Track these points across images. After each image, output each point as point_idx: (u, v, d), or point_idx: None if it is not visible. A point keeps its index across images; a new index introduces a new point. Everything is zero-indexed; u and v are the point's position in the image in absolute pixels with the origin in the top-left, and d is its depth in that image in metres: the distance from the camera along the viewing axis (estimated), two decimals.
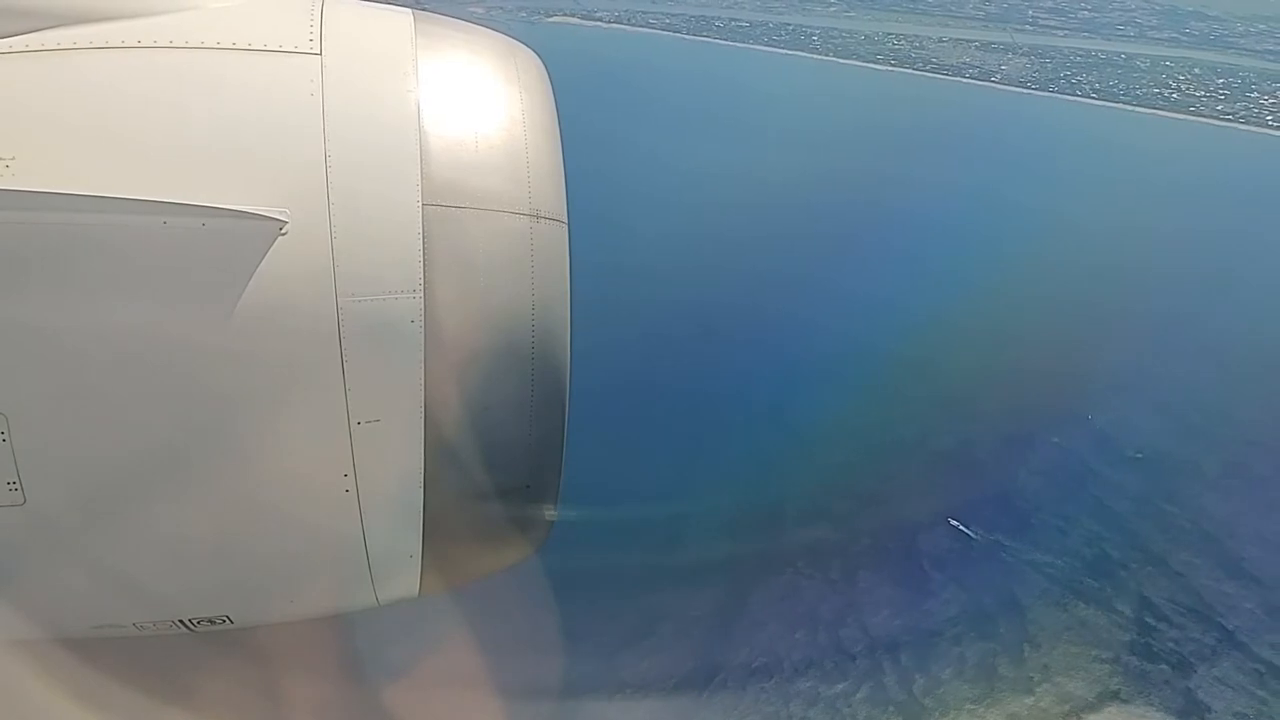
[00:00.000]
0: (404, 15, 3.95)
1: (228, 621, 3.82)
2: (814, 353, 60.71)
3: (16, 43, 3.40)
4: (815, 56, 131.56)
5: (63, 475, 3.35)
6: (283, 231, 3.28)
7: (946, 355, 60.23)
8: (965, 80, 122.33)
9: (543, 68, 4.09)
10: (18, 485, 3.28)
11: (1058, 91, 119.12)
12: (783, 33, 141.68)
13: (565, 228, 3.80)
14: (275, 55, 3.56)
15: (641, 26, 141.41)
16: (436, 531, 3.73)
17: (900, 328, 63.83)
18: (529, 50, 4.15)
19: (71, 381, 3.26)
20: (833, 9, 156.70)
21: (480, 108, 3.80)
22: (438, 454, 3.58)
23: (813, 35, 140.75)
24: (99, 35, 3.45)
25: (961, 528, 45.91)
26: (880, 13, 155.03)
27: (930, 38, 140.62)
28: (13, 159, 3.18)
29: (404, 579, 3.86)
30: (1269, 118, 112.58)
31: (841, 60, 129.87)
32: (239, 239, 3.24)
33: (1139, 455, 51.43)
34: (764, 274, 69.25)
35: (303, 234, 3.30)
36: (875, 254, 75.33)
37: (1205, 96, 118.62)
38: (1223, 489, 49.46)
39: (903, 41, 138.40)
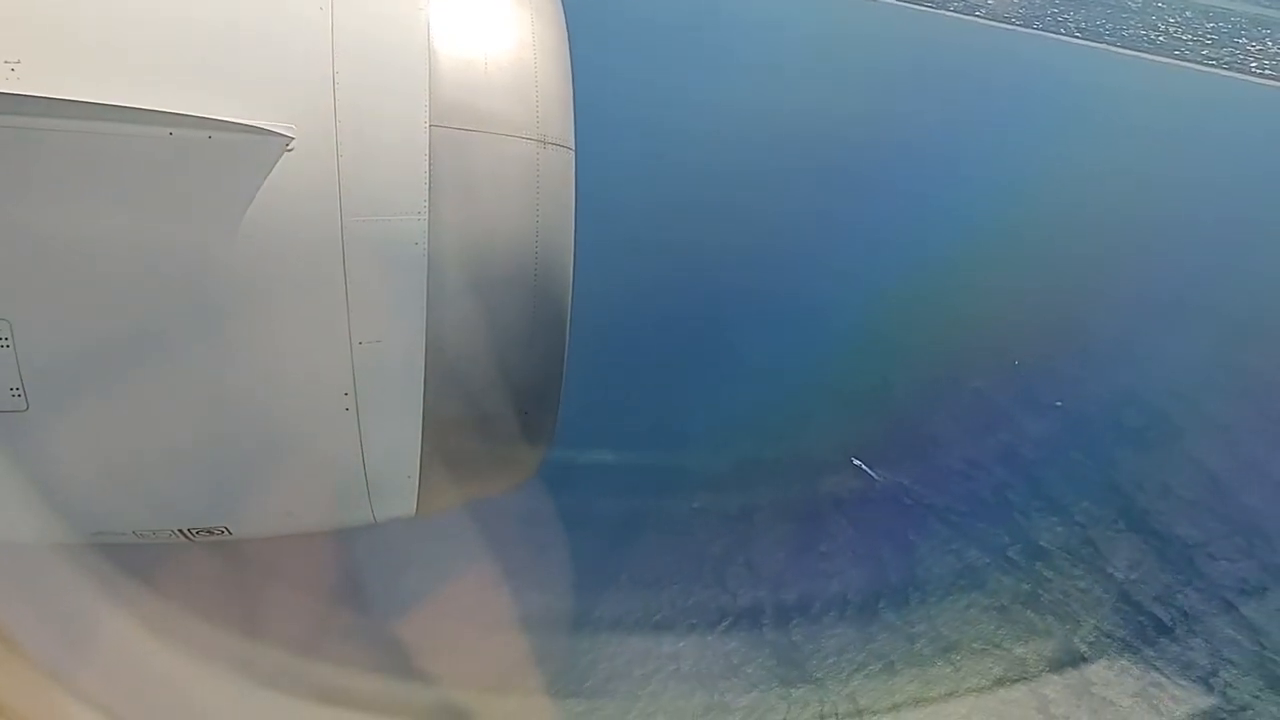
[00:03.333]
0: None
1: (226, 533, 3.82)
2: (791, 291, 59.65)
3: None
4: None
5: (65, 382, 3.33)
6: (289, 148, 3.25)
7: (893, 296, 59.57)
8: (948, 13, 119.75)
9: None
10: (20, 391, 3.26)
11: (1042, 29, 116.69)
12: None
13: (572, 154, 3.76)
14: None
15: None
16: (434, 453, 3.75)
17: (855, 266, 63.35)
18: None
19: (74, 289, 3.25)
20: None
21: (490, 30, 3.73)
22: (437, 376, 3.60)
23: None
24: None
25: (864, 468, 45.38)
26: None
27: None
28: (18, 63, 3.10)
29: (401, 498, 3.89)
30: (1253, 64, 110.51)
31: None
32: (244, 153, 3.22)
33: (1059, 404, 50.73)
34: (756, 210, 68.38)
35: (309, 151, 3.28)
36: (844, 190, 74.43)
37: (1192, 40, 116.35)
38: (1140, 441, 48.98)
39: None
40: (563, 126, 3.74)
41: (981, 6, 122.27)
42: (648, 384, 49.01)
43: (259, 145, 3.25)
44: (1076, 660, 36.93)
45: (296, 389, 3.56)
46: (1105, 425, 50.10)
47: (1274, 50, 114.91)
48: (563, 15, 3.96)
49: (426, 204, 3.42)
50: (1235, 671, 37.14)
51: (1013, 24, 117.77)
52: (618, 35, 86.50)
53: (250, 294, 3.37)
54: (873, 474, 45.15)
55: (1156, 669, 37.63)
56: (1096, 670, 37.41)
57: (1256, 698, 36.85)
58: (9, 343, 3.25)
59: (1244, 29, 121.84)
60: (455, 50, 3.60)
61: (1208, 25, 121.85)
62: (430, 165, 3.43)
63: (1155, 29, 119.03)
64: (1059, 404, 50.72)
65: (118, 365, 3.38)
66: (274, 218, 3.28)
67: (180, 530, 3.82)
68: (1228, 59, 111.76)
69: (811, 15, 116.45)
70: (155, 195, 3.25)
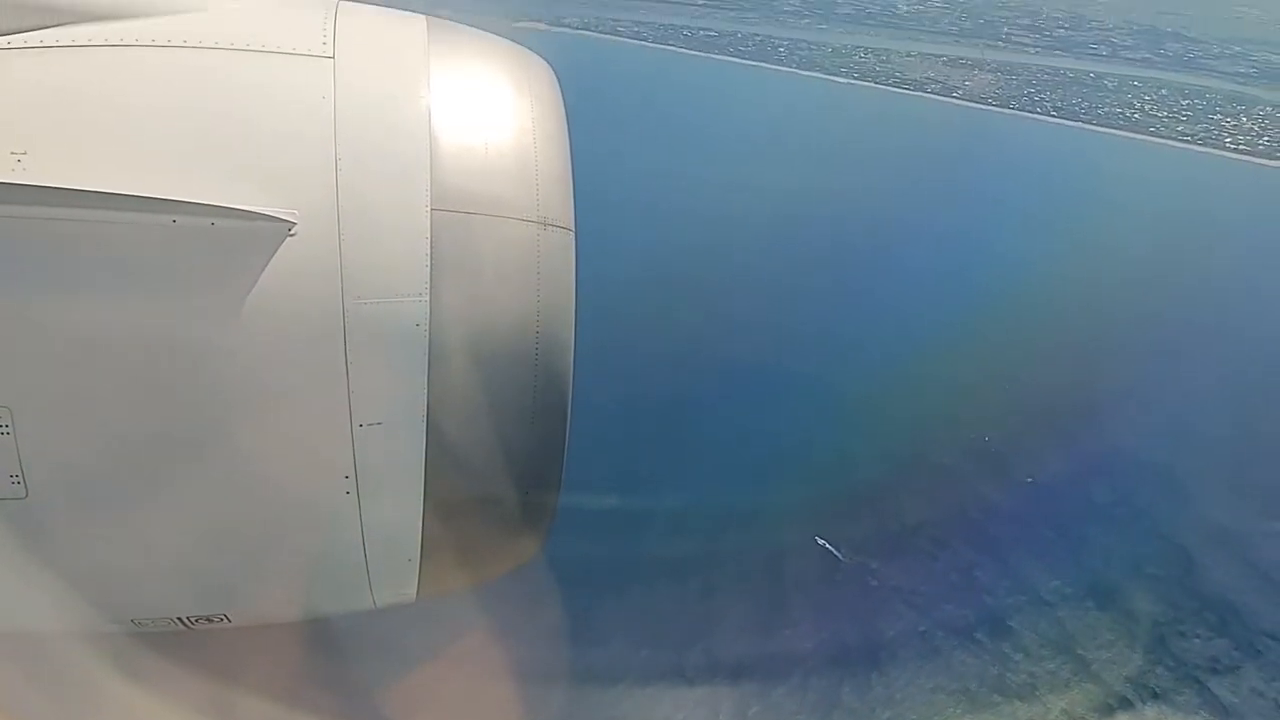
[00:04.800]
0: (417, 21, 3.99)
1: (225, 620, 3.81)
2: (772, 368, 60.70)
3: (31, 38, 3.41)
4: (780, 69, 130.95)
5: (65, 470, 3.35)
6: (291, 232, 3.29)
7: (864, 373, 59.75)
8: (926, 95, 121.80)
9: (554, 77, 4.10)
10: (20, 479, 3.29)
11: (1018, 109, 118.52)
12: (750, 43, 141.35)
13: (572, 235, 3.78)
14: (288, 57, 3.57)
15: (609, 34, 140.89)
16: (435, 536, 3.74)
17: (830, 344, 64.07)
18: (541, 59, 4.15)
19: (76, 376, 3.28)
20: (805, 21, 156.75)
21: (491, 114, 3.81)
22: (439, 459, 3.58)
23: (779, 46, 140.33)
24: (113, 32, 3.46)
25: (829, 547, 44.89)
26: (852, 26, 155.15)
27: (898, 51, 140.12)
28: (24, 154, 3.18)
29: (402, 583, 3.87)
30: (1228, 140, 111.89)
31: (803, 72, 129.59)
32: (247, 239, 3.26)
33: (1029, 480, 50.39)
34: (749, 283, 70.78)
35: (311, 235, 3.32)
36: (822, 268, 75.35)
37: (1167, 117, 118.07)
38: (1109, 518, 48.54)
39: (869, 55, 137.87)
40: (562, 208, 3.78)
41: (959, 88, 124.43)
42: (641, 465, 49.11)
43: (262, 231, 3.29)
44: None
45: (297, 473, 3.56)
46: (1075, 502, 49.67)
47: (1248, 125, 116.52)
48: (561, 101, 4.04)
49: (428, 286, 3.45)
50: None
51: (989, 104, 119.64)
52: (616, 119, 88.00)
53: (251, 378, 3.39)
54: (837, 554, 44.61)
55: None
56: None
57: None
58: (9, 430, 3.26)
59: (1218, 105, 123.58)
60: (456, 135, 3.66)
61: (1182, 102, 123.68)
62: (432, 248, 3.47)
63: (1131, 106, 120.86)
64: (1029, 480, 50.43)
65: (119, 452, 3.39)
66: (276, 302, 3.31)
67: (179, 618, 3.82)
68: (1202, 135, 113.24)
69: (796, 98, 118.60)
70: (158, 282, 3.29)
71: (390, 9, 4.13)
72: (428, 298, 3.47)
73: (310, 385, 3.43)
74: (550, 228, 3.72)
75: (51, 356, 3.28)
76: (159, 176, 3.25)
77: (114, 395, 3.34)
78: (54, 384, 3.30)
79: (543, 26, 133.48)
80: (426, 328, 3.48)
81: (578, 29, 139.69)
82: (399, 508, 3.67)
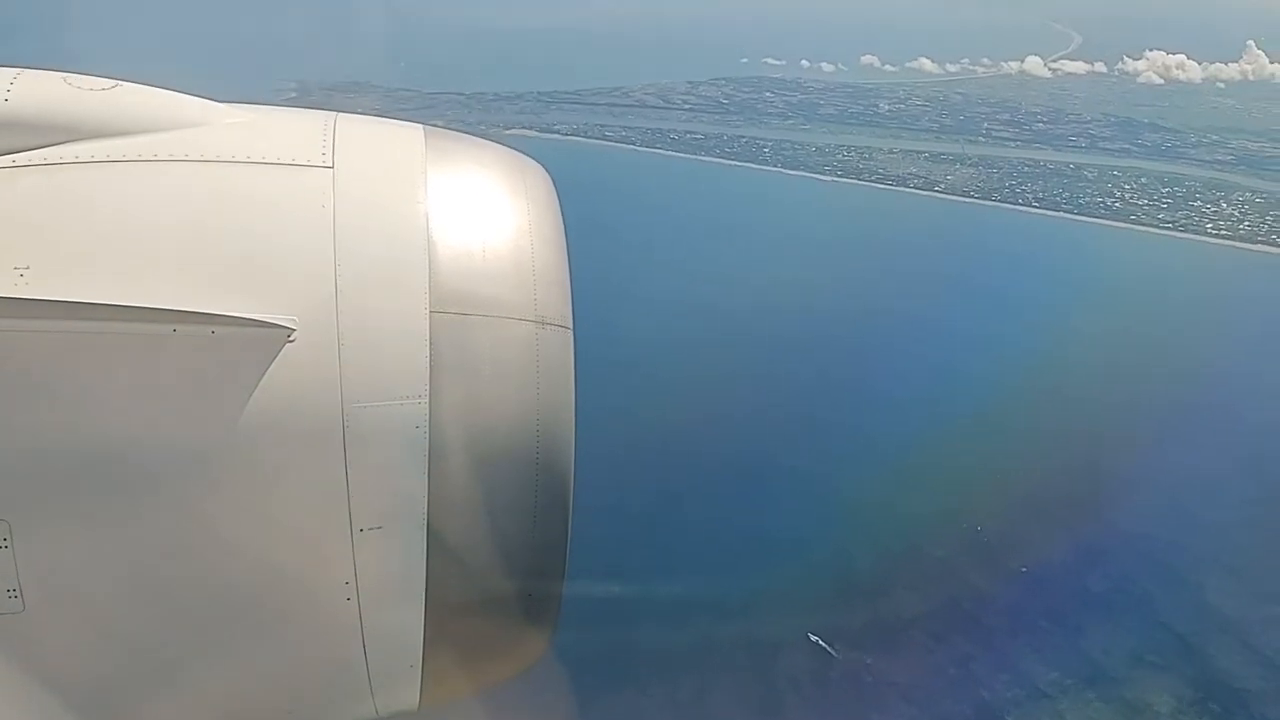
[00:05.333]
0: (414, 130, 4.04)
1: None
2: (767, 461, 60.96)
3: (35, 156, 3.50)
4: (766, 169, 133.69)
5: (64, 584, 3.35)
6: (290, 339, 3.34)
7: (856, 467, 59.58)
8: (909, 190, 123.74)
9: (550, 181, 4.13)
10: (17, 593, 3.30)
11: (1000, 200, 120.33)
12: (735, 145, 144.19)
13: (570, 334, 3.79)
14: (288, 169, 3.65)
15: (597, 139, 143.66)
16: (437, 642, 3.69)
17: (823, 439, 63.97)
18: (537, 164, 4.19)
19: (76, 489, 3.29)
20: (789, 122, 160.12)
21: (487, 217, 3.85)
22: (440, 562, 3.55)
23: (764, 147, 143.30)
24: (114, 149, 3.56)
25: (822, 644, 44.25)
26: (835, 125, 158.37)
27: (881, 149, 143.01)
28: (27, 268, 3.26)
29: (404, 689, 3.81)
30: (1209, 225, 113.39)
31: (788, 171, 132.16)
32: (247, 346, 3.31)
33: (1024, 569, 49.93)
34: (743, 377, 71.06)
35: (310, 341, 3.36)
36: (818, 360, 75.86)
37: (1148, 205, 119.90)
38: (1107, 606, 47.96)
39: (852, 153, 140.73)
40: (560, 307, 3.80)
41: (941, 183, 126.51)
42: (638, 561, 48.78)
43: (261, 338, 3.33)
44: None
45: (297, 580, 3.55)
46: (1071, 591, 49.15)
47: (1229, 211, 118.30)
48: (557, 202, 4.07)
49: (427, 388, 3.46)
50: None
51: (972, 197, 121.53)
52: (610, 221, 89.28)
53: (251, 486, 3.39)
54: (831, 650, 43.99)
55: None
56: None
57: None
58: (8, 543, 3.26)
59: (1198, 192, 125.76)
60: (454, 239, 3.71)
61: (1163, 190, 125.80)
62: (431, 350, 3.49)
63: (1111, 195, 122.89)
64: (1024, 569, 50.00)
65: (118, 565, 3.38)
66: (275, 408, 3.33)
67: None
68: (1183, 221, 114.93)
69: (782, 197, 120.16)
70: (159, 391, 3.32)
71: (388, 119, 4.22)
72: (427, 400, 3.47)
73: (310, 491, 3.44)
74: (548, 326, 3.75)
75: (51, 469, 3.30)
76: (160, 287, 3.32)
77: (113, 507, 3.35)
78: (54, 497, 3.32)
79: (532, 133, 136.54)
80: (426, 429, 3.48)
81: (567, 135, 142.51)
82: (401, 613, 3.65)
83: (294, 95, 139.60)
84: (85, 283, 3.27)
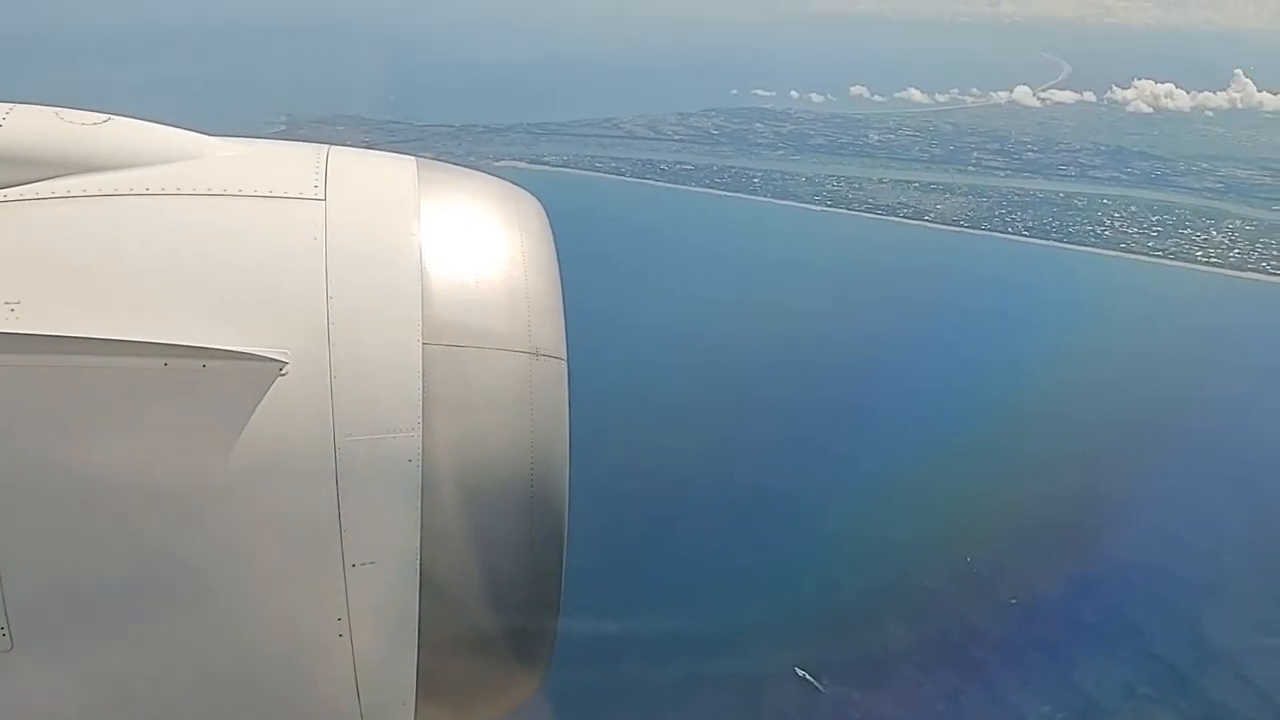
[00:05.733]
0: (407, 162, 4.03)
1: None
2: (756, 492, 60.51)
3: (27, 190, 3.52)
4: (755, 199, 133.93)
5: (52, 621, 3.36)
6: (282, 372, 3.34)
7: (844, 497, 59.22)
8: (899, 219, 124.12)
9: (543, 211, 4.09)
10: (5, 630, 3.29)
11: (990, 229, 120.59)
12: (725, 175, 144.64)
13: (564, 364, 3.77)
14: (279, 201, 3.66)
15: (587, 170, 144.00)
16: (431, 677, 3.65)
17: (810, 468, 63.72)
18: (530, 195, 4.14)
19: (66, 525, 3.31)
20: (779, 153, 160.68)
21: (481, 249, 3.85)
22: (433, 597, 3.54)
23: (754, 177, 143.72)
24: (106, 183, 3.58)
25: (809, 678, 43.56)
26: (825, 156, 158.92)
27: (871, 179, 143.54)
28: (18, 303, 3.27)
29: None
30: (1198, 253, 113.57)
31: (778, 201, 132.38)
32: (239, 379, 3.32)
33: (1014, 600, 49.31)
34: (733, 406, 71.14)
35: (302, 374, 3.37)
36: (807, 388, 75.79)
37: (1138, 233, 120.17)
38: (1097, 637, 47.40)
39: (842, 183, 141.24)
40: (554, 338, 3.78)
41: (930, 211, 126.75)
42: (626, 592, 48.31)
43: (253, 371, 3.31)
44: None
45: (289, 617, 3.50)
46: (1062, 622, 48.53)
47: (1218, 239, 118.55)
48: (550, 233, 4.04)
49: (420, 420, 3.43)
50: None
51: (961, 226, 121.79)
52: (601, 251, 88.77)
53: (242, 520, 3.36)
54: (818, 685, 43.26)
55: None
56: None
57: None
58: None
59: (1188, 220, 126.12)
60: (447, 270, 3.69)
61: (1152, 218, 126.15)
62: (424, 382, 3.46)
63: (1101, 223, 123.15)
64: (1013, 600, 49.35)
65: (107, 601, 3.36)
66: (267, 441, 3.31)
67: None
68: (1173, 249, 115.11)
69: (772, 226, 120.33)
70: (150, 425, 3.29)
71: (380, 152, 4.24)
72: (420, 432, 3.43)
73: (302, 526, 3.40)
74: (542, 357, 3.71)
75: (42, 505, 3.27)
76: (151, 321, 3.30)
77: (104, 542, 3.33)
78: (44, 533, 3.29)
79: (522, 165, 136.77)
80: (419, 462, 3.44)
81: (557, 166, 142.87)
82: (393, 650, 3.59)
83: (283, 128, 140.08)
84: (76, 317, 3.26)
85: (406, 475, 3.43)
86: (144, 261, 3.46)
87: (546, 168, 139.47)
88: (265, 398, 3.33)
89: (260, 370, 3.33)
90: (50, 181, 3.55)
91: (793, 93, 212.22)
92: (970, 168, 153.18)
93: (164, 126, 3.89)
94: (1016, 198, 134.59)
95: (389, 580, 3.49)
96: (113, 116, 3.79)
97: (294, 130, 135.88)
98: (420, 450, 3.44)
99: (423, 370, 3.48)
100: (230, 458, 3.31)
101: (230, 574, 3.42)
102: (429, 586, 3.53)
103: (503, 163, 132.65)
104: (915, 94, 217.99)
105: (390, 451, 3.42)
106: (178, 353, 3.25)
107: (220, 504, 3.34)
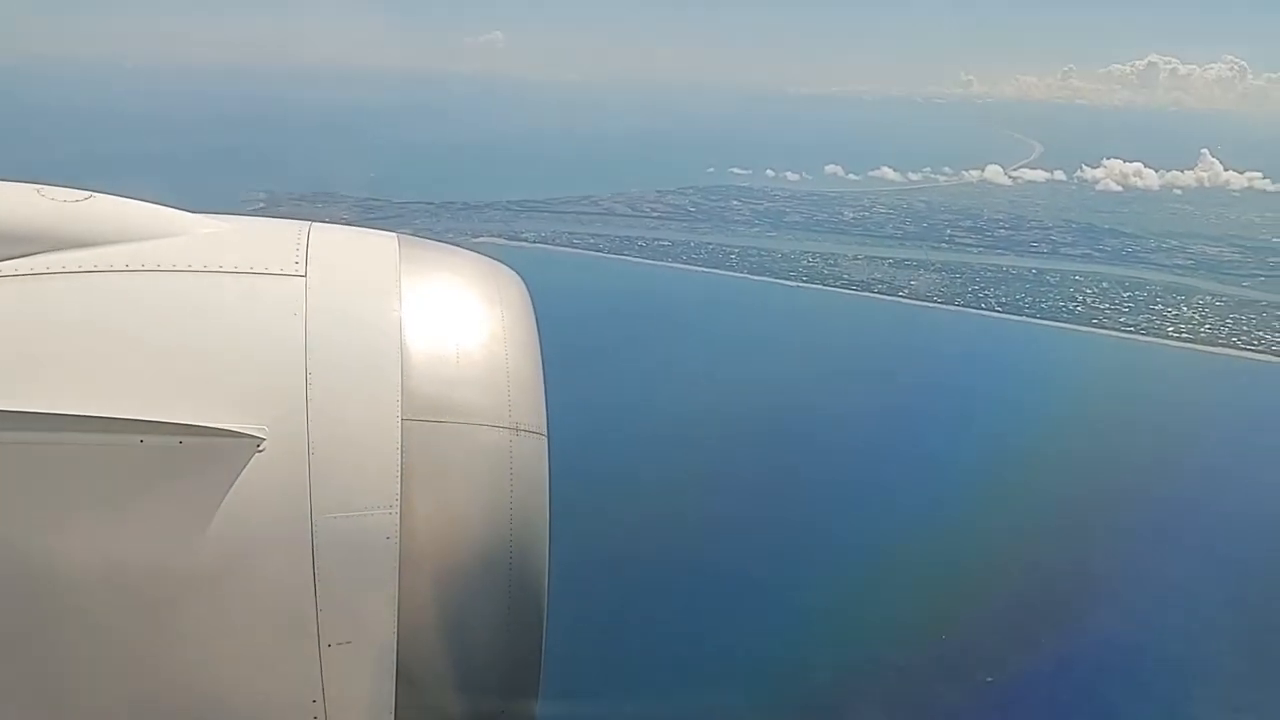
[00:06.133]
0: (388, 238, 4.07)
1: None
2: (733, 567, 60.23)
3: (6, 267, 3.53)
4: (732, 274, 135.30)
5: (28, 697, 3.35)
6: (260, 448, 3.34)
7: (829, 572, 58.90)
8: (872, 295, 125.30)
9: (524, 287, 4.17)
10: None
11: (964, 305, 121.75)
12: (702, 251, 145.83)
13: (545, 440, 3.80)
14: (259, 277, 3.68)
15: (565, 246, 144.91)
16: None
17: (788, 545, 63.42)
18: (511, 271, 4.23)
19: (41, 602, 3.29)
20: (755, 229, 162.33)
21: (461, 324, 3.87)
22: (409, 679, 3.50)
23: (731, 254, 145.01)
24: (86, 259, 3.58)
25: None
26: (801, 233, 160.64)
27: (845, 255, 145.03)
28: None
29: None
30: (1170, 329, 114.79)
31: (754, 277, 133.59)
32: (215, 456, 3.31)
33: (989, 680, 48.68)
34: (710, 482, 70.93)
35: (280, 451, 3.36)
36: (779, 465, 75.85)
37: (1110, 309, 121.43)
38: (1075, 716, 46.89)
39: (817, 259, 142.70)
40: (535, 413, 3.79)
41: (904, 287, 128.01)
42: (603, 672, 48.12)
43: (230, 448, 3.30)
44: None
45: (263, 697, 3.45)
46: (1038, 702, 47.98)
47: (1189, 314, 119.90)
48: (531, 308, 4.10)
49: (398, 497, 3.40)
50: None
51: (935, 302, 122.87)
52: (579, 326, 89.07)
53: (217, 599, 3.34)
54: None
55: None
56: None
57: None
58: None
59: (1159, 296, 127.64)
60: (428, 345, 3.70)
61: (1124, 294, 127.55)
62: (402, 458, 3.44)
63: (1073, 299, 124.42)
64: (989, 680, 48.74)
65: (84, 679, 3.33)
66: (243, 519, 3.30)
67: None
68: (1145, 325, 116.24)
69: (748, 302, 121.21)
70: (125, 504, 3.28)
71: (362, 228, 4.27)
72: (398, 509, 3.41)
73: (277, 605, 3.36)
74: (523, 432, 3.72)
75: (15, 583, 3.24)
76: (128, 397, 3.27)
77: (79, 621, 3.28)
78: (17, 611, 3.25)
79: (500, 241, 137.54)
80: (397, 540, 3.40)
81: (534, 242, 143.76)
82: None
83: (262, 205, 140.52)
84: (51, 393, 3.23)
85: (384, 553, 3.38)
86: (122, 338, 3.45)
87: (524, 244, 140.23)
88: (242, 475, 3.30)
89: (237, 447, 3.30)
90: (31, 258, 3.54)
91: (769, 171, 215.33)
92: (943, 245, 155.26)
93: (144, 203, 3.91)
94: (989, 274, 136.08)
95: (365, 661, 3.43)
96: (93, 193, 3.81)
97: (273, 207, 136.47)
98: (398, 528, 3.40)
99: (402, 446, 3.45)
100: (205, 535, 3.27)
101: (204, 653, 3.37)
102: (405, 668, 3.46)
103: (481, 239, 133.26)
104: (889, 173, 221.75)
105: (368, 529, 3.38)
106: (153, 429, 3.22)
107: (195, 582, 3.31)
